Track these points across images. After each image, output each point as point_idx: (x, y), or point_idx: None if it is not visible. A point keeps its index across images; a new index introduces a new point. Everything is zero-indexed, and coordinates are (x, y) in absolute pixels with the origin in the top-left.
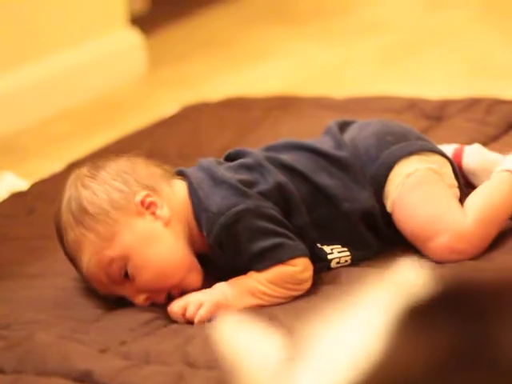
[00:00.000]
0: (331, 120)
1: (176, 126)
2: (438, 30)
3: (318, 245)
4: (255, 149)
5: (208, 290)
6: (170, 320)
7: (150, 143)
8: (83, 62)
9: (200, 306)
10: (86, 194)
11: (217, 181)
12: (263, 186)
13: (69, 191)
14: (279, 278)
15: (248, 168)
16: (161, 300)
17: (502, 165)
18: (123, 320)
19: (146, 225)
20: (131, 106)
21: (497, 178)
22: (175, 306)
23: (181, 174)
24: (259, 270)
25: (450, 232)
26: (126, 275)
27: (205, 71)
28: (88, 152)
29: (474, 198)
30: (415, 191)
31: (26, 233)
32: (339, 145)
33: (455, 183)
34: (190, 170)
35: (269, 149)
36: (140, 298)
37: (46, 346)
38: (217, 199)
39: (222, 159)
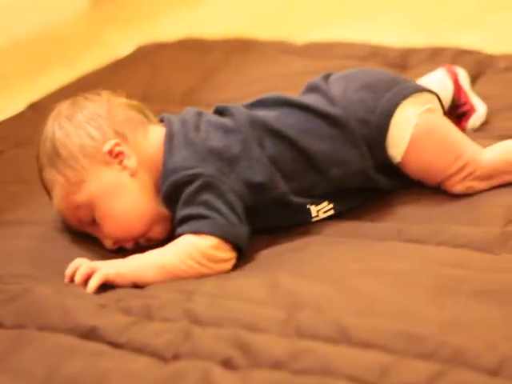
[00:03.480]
0: (295, 64)
1: (135, 67)
2: None
3: (307, 205)
4: (243, 106)
5: (119, 261)
6: None
7: (110, 84)
8: None
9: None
10: (59, 136)
11: (188, 140)
12: (235, 149)
13: (46, 131)
14: (193, 249)
15: (226, 131)
16: (129, 247)
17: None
18: None
19: (112, 175)
20: (78, 42)
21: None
22: (80, 267)
23: (163, 121)
24: (177, 234)
25: (471, 165)
26: (94, 222)
27: (149, 9)
28: (45, 91)
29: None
30: (430, 137)
31: None
32: (331, 101)
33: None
34: (173, 119)
35: (257, 104)
36: (108, 243)
37: (45, 300)
38: (178, 157)
39: (206, 110)
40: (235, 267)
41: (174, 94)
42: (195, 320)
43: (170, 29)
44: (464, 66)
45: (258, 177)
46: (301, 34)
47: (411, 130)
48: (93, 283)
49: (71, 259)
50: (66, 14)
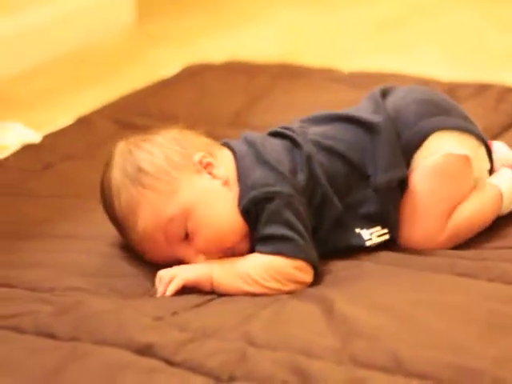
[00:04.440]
0: (344, 94)
1: (181, 88)
2: (427, 5)
3: (357, 230)
4: (295, 126)
5: (199, 265)
6: (211, 294)
7: (157, 103)
8: (70, 11)
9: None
10: (142, 155)
11: (259, 159)
12: (301, 177)
13: (121, 157)
14: (273, 269)
15: (288, 151)
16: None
17: (496, 175)
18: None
19: (205, 182)
20: (122, 59)
21: (487, 193)
22: (161, 273)
23: (226, 146)
24: (259, 251)
25: (421, 235)
26: (185, 237)
27: (193, 29)
28: (91, 106)
29: (461, 212)
30: (432, 177)
31: (46, 190)
32: (377, 109)
33: (487, 166)
34: (235, 143)
35: (306, 121)
36: (199, 259)
37: (100, 313)
38: (256, 174)
39: (265, 134)
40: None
41: (220, 116)
42: (251, 342)
43: (213, 49)
44: (509, 104)
45: (318, 197)
46: (344, 60)
47: (433, 158)
48: (171, 287)
49: (122, 274)
50: (112, 30)
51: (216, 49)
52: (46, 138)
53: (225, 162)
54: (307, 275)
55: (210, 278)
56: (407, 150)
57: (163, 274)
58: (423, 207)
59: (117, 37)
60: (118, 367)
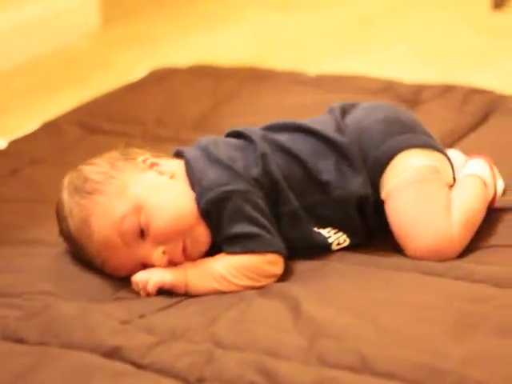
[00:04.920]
0: (310, 96)
1: (148, 92)
2: (398, 6)
3: (315, 228)
4: (255, 129)
5: (173, 268)
6: (178, 295)
7: (123, 107)
8: (34, 17)
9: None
10: (88, 168)
11: (212, 160)
12: (255, 171)
13: (68, 180)
14: (245, 267)
15: (242, 149)
16: (178, 254)
17: (466, 168)
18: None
19: (153, 177)
20: (89, 63)
21: (468, 183)
22: (136, 277)
23: (178, 154)
24: (228, 253)
25: (434, 234)
26: (140, 234)
27: (160, 33)
28: (57, 111)
29: (454, 204)
30: (412, 187)
31: (15, 195)
32: (339, 128)
33: (452, 181)
34: (187, 149)
35: (268, 128)
36: (158, 252)
37: (68, 317)
38: (210, 175)
39: (222, 136)
40: (259, 290)
41: (187, 119)
42: (218, 343)
43: (180, 52)
44: (474, 105)
45: (274, 191)
46: (313, 63)
47: (405, 174)
48: (149, 289)
49: (89, 278)
50: (77, 35)
51: (184, 52)
52: (12, 143)
53: (173, 169)
54: (278, 267)
55: (184, 280)
56: (375, 168)
57: (138, 278)
58: (424, 211)
59: (82, 42)
60: (86, 371)
